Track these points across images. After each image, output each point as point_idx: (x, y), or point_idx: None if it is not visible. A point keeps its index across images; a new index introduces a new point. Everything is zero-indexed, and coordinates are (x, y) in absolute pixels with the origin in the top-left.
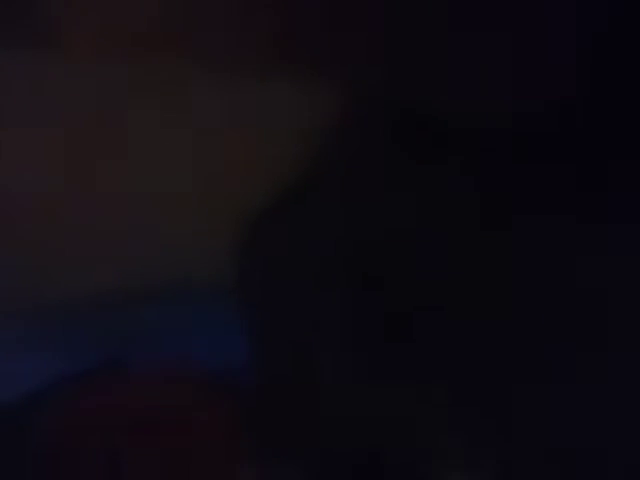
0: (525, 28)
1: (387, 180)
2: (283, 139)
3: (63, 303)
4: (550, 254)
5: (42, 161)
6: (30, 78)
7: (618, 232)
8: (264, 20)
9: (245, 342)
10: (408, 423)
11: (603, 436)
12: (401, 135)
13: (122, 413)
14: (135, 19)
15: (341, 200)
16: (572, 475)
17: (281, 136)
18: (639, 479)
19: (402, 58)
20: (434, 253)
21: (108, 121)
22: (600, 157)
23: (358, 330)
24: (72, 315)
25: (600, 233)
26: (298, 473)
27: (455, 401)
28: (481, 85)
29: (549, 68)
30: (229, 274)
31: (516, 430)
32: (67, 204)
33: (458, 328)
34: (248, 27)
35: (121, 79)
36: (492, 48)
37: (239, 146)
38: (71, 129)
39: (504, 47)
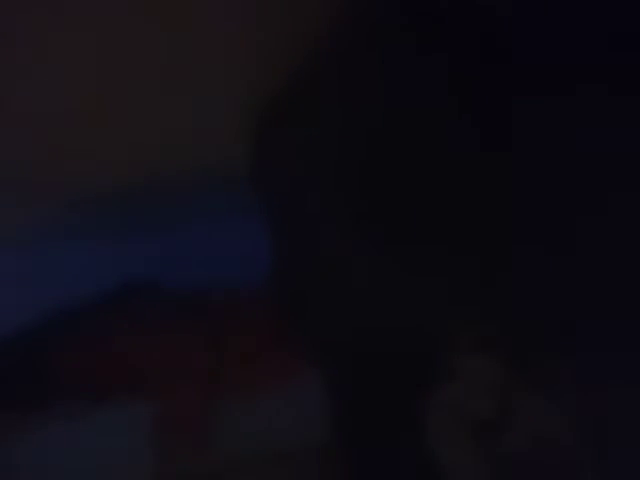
0: None
1: (385, 77)
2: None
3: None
4: (550, 121)
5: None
6: None
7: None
8: None
9: (267, 252)
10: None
11: (605, 306)
12: (398, 32)
13: (154, 331)
14: None
15: (340, 99)
16: (574, 343)
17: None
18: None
19: None
20: (434, 140)
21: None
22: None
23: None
24: (101, 234)
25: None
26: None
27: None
28: None
29: None
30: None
31: (521, 304)
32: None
33: (463, 202)
34: None
35: None
36: None
37: (240, 40)
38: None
39: None
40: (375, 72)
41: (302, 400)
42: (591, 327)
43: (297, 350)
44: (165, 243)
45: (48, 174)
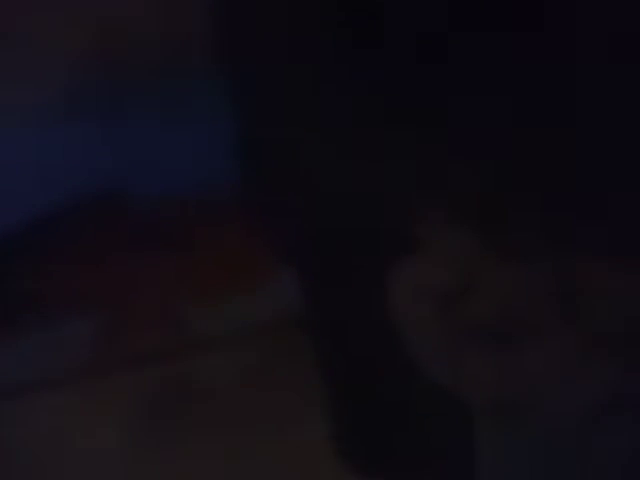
0: None
1: None
2: None
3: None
4: None
5: None
6: None
7: None
8: None
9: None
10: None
11: (583, 172)
12: None
13: (129, 234)
14: None
15: None
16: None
17: None
18: None
19: None
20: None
21: None
22: None
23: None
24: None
25: None
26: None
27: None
28: None
29: None
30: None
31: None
32: None
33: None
34: None
35: None
36: None
37: None
38: None
39: None
40: None
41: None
42: (566, 196)
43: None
44: (133, 142)
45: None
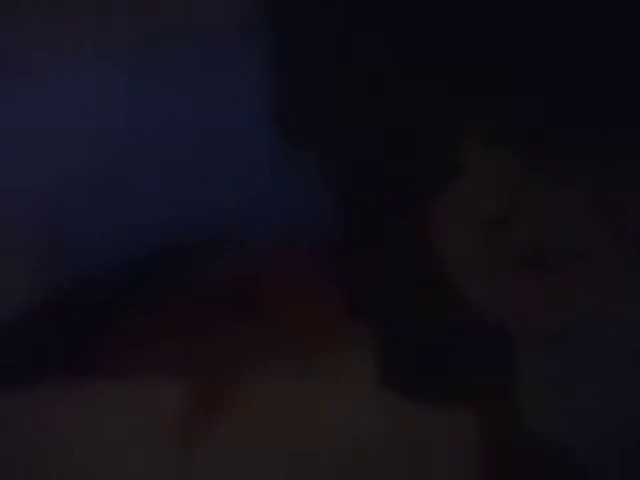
0: None
1: None
2: None
3: None
4: None
5: None
6: None
7: None
8: None
9: None
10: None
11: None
12: None
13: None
14: None
15: None
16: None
17: None
18: None
19: None
20: None
21: None
22: None
23: None
24: None
25: None
26: None
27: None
28: None
29: None
30: None
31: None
32: None
33: None
34: None
35: None
36: None
37: None
38: None
39: None
40: None
41: None
42: (610, 117)
43: None
44: None
45: None
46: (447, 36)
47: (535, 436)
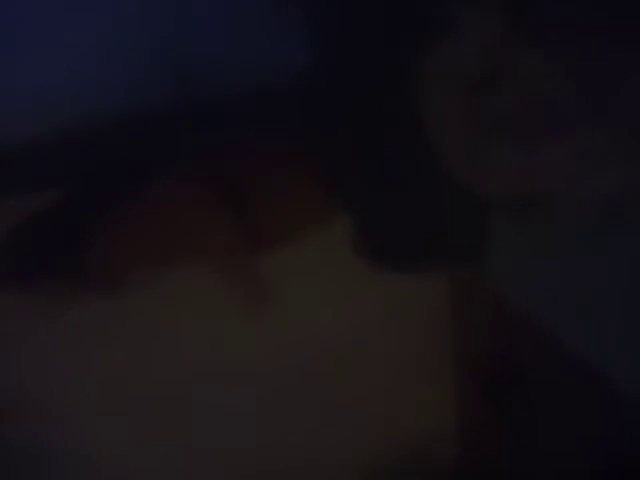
0: None
1: None
2: None
3: None
4: None
5: None
6: None
7: None
8: None
9: None
10: None
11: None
12: None
13: None
14: None
15: None
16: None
17: None
18: None
19: None
20: None
21: None
22: None
23: None
24: None
25: None
26: None
27: None
28: None
29: None
30: None
31: None
32: None
33: None
34: None
35: None
36: None
37: None
38: None
39: None
40: None
41: None
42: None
43: None
44: None
45: None
46: None
47: (504, 301)
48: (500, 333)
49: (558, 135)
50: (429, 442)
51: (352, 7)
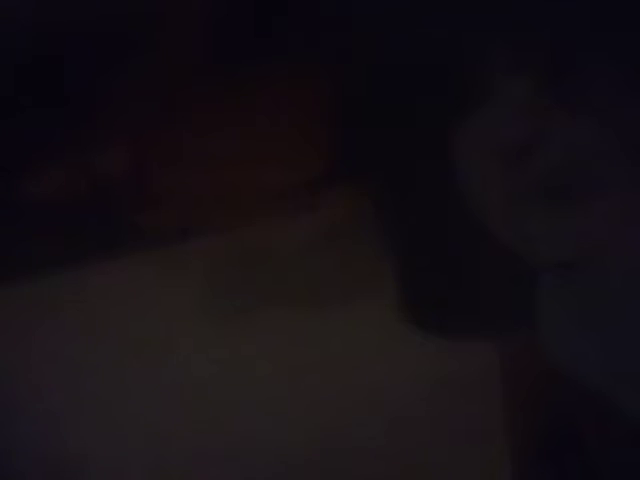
0: None
1: None
2: None
3: None
4: None
5: None
6: None
7: None
8: None
9: None
10: None
11: None
12: None
13: None
14: None
15: None
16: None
17: None
18: None
19: None
20: None
21: None
22: None
23: None
24: None
25: None
26: None
27: None
28: None
29: None
30: None
31: None
32: None
33: None
34: None
35: None
36: None
37: None
38: None
39: None
40: None
41: None
42: (629, 42)
43: None
44: None
45: None
46: None
47: (555, 366)
48: (553, 395)
49: (598, 197)
50: None
51: (392, 71)
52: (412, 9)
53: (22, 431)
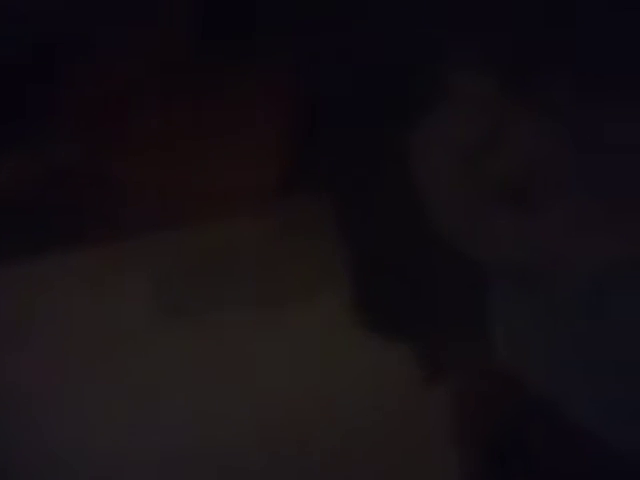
0: None
1: None
2: None
3: None
4: None
5: None
6: None
7: None
8: None
9: None
10: None
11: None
12: None
13: None
14: None
15: None
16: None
17: None
18: None
19: None
20: None
21: None
22: None
23: None
24: None
25: None
26: None
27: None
28: None
29: None
30: None
31: None
32: None
33: None
34: None
35: None
36: None
37: None
38: None
39: None
40: None
41: None
42: (590, 46)
43: None
44: None
45: None
46: None
47: (506, 370)
48: (502, 400)
49: (555, 200)
50: None
51: (349, 72)
52: (372, 9)
53: None
